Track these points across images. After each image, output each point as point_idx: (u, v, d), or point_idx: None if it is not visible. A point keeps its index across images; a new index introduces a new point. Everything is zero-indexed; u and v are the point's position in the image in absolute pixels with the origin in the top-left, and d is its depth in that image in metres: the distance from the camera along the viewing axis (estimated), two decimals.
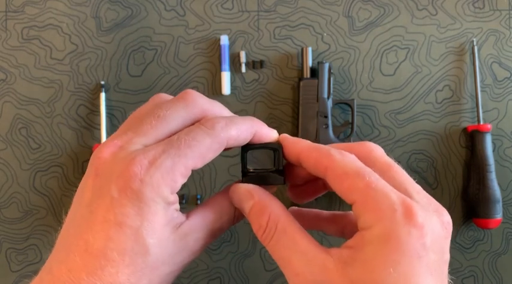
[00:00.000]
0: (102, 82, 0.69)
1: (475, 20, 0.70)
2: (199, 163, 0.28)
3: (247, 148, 0.31)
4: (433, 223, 0.26)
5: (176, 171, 0.27)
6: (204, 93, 0.71)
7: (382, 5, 0.70)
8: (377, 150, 0.30)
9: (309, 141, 0.31)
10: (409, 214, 0.25)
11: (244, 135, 0.30)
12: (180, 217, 0.29)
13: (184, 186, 0.67)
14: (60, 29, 0.70)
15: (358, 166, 0.28)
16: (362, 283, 0.25)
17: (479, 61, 0.70)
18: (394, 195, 0.26)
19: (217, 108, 0.31)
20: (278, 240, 0.28)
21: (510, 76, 0.70)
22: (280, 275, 0.68)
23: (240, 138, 0.30)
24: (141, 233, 0.26)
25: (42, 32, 0.70)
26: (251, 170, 0.31)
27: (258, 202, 0.29)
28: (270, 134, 0.32)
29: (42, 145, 0.69)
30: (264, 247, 0.69)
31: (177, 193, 0.28)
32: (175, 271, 0.29)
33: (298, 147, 0.31)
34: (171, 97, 0.32)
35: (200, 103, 0.30)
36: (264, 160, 0.31)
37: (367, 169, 0.27)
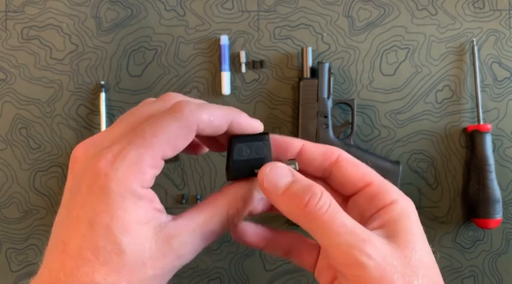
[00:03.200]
0: (102, 82, 0.69)
1: (475, 20, 0.70)
2: (169, 152, 0.27)
3: (234, 140, 0.30)
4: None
5: (143, 162, 0.26)
6: (204, 93, 0.71)
7: (382, 5, 0.70)
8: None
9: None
10: (403, 194, 0.30)
11: (218, 121, 0.28)
12: (164, 217, 0.27)
13: (184, 186, 0.68)
14: (60, 29, 0.70)
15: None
16: (408, 245, 0.27)
17: (479, 61, 0.70)
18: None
19: (191, 100, 0.30)
20: (337, 214, 0.27)
21: (510, 77, 0.70)
22: (280, 275, 0.68)
23: (214, 124, 0.28)
24: (112, 230, 0.25)
25: (42, 32, 0.70)
26: (239, 159, 0.29)
27: (302, 178, 0.28)
28: (251, 123, 0.30)
29: (42, 145, 0.69)
30: None
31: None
32: (160, 275, 0.27)
33: (298, 143, 0.32)
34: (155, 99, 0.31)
35: (176, 98, 0.29)
36: (253, 152, 0.30)
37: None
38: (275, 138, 0.31)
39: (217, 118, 0.28)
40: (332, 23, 0.70)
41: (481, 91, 0.69)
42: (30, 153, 0.69)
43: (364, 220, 0.30)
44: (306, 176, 0.29)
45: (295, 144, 0.31)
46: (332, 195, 0.28)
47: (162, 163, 0.27)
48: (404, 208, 0.29)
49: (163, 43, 0.70)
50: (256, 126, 0.31)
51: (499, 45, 0.70)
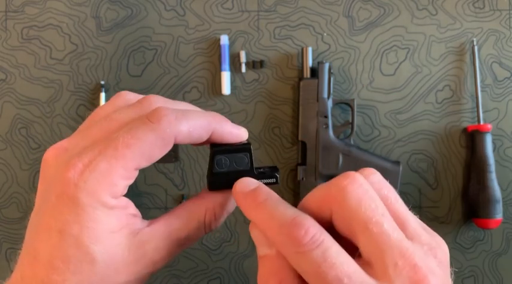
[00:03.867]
0: (102, 82, 0.69)
1: (475, 20, 0.70)
2: (143, 163, 0.26)
3: (216, 149, 0.28)
4: (433, 268, 0.24)
5: (114, 174, 0.25)
6: (204, 93, 0.71)
7: (382, 5, 0.70)
8: (375, 177, 0.26)
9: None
10: (400, 262, 0.23)
11: (198, 132, 0.27)
12: (138, 223, 0.27)
13: (184, 186, 0.68)
14: (60, 29, 0.70)
15: (366, 209, 0.24)
16: None
17: (480, 61, 0.69)
18: (391, 241, 0.24)
19: (173, 104, 0.29)
20: (278, 203, 0.25)
21: (510, 77, 0.70)
22: None
23: (193, 135, 0.27)
24: (82, 240, 0.24)
25: (42, 32, 0.70)
26: (219, 172, 0.28)
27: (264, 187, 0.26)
28: (234, 132, 0.29)
29: (42, 145, 0.69)
30: None
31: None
32: (134, 281, 0.26)
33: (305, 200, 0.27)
34: (134, 95, 0.30)
35: (156, 104, 0.28)
36: (233, 164, 0.28)
37: (371, 213, 0.24)
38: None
39: (196, 129, 0.27)
40: (332, 23, 0.70)
41: (481, 91, 0.69)
42: (30, 153, 0.69)
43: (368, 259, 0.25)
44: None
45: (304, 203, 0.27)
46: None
47: (136, 173, 0.26)
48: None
49: (163, 43, 0.70)
50: (239, 135, 0.29)
51: (499, 45, 0.70)
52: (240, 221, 0.68)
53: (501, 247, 0.68)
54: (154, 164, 0.68)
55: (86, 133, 0.27)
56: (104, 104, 0.30)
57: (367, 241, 0.24)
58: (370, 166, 0.27)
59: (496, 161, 0.68)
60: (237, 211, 0.30)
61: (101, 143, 0.25)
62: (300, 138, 0.67)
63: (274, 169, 0.30)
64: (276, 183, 0.29)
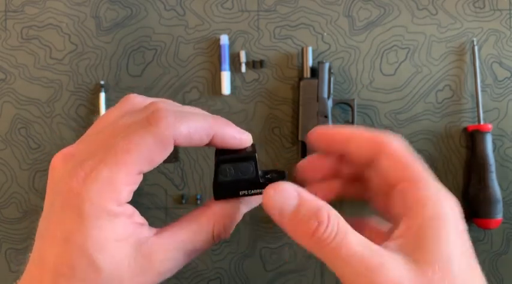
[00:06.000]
0: (102, 82, 0.69)
1: (475, 20, 0.70)
2: (145, 167, 0.25)
3: (221, 158, 0.28)
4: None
5: (116, 181, 0.25)
6: (204, 93, 0.71)
7: (382, 5, 0.70)
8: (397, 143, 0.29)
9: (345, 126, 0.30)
10: (446, 192, 0.27)
11: (199, 134, 0.26)
12: (146, 232, 0.26)
13: (184, 186, 0.68)
14: (59, 29, 0.70)
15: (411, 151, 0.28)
16: (436, 262, 0.24)
17: (480, 61, 0.69)
18: (434, 176, 0.28)
19: (181, 109, 0.28)
20: (345, 239, 0.24)
21: (510, 76, 0.70)
22: (281, 275, 0.68)
23: (194, 138, 0.26)
24: (87, 249, 0.24)
25: (41, 31, 0.70)
26: (224, 181, 0.28)
27: (306, 200, 0.26)
28: (237, 137, 0.28)
29: (41, 145, 0.69)
30: (265, 247, 0.69)
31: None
32: None
33: (346, 132, 0.29)
34: (142, 99, 0.29)
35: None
36: (238, 173, 0.28)
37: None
38: (320, 132, 0.30)
39: (197, 131, 0.26)
40: (332, 22, 0.70)
41: (482, 91, 0.69)
42: (29, 153, 0.69)
43: (396, 221, 0.27)
44: (350, 166, 0.30)
45: (341, 134, 0.29)
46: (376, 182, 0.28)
47: (140, 178, 0.26)
48: (437, 210, 0.25)
49: (163, 43, 0.70)
50: (242, 140, 0.28)
51: (500, 45, 0.70)
52: (240, 221, 0.68)
53: (501, 247, 0.68)
54: None
55: (92, 139, 0.27)
56: (112, 108, 0.29)
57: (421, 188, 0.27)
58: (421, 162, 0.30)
59: (496, 161, 0.68)
60: None
61: (101, 150, 0.25)
62: (300, 138, 0.67)
63: (281, 174, 0.29)
64: None
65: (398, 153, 0.28)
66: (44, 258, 0.25)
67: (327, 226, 0.24)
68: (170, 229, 0.27)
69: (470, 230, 0.72)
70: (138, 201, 0.68)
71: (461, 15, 0.70)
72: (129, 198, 0.26)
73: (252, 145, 0.29)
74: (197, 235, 0.28)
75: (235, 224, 0.29)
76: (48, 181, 0.27)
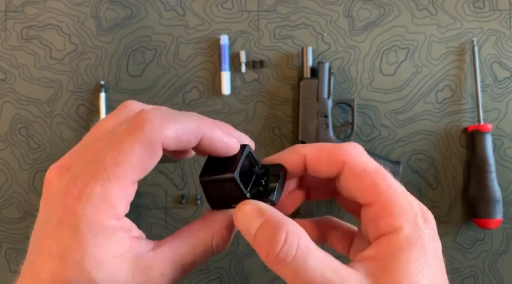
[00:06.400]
0: (102, 82, 0.69)
1: (475, 20, 0.70)
2: (137, 176, 0.25)
3: (203, 180, 0.27)
4: (434, 222, 0.27)
5: (111, 197, 0.24)
6: (204, 93, 0.71)
7: (382, 5, 0.70)
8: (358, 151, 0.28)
9: (302, 144, 0.29)
10: (426, 217, 0.26)
11: (187, 136, 0.25)
12: (143, 246, 0.26)
13: (184, 186, 0.68)
14: (59, 29, 0.70)
15: (376, 163, 0.27)
16: None
17: (480, 61, 0.69)
18: (411, 198, 0.26)
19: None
20: (304, 259, 0.24)
21: (510, 76, 0.70)
22: None
23: (182, 140, 0.25)
24: (84, 267, 0.24)
25: (41, 31, 0.70)
26: (213, 196, 0.27)
27: (270, 219, 0.25)
28: (224, 141, 0.27)
29: (42, 145, 0.69)
30: None
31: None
32: None
33: (301, 152, 0.28)
34: (140, 105, 0.29)
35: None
36: (224, 191, 0.27)
37: (383, 168, 0.27)
38: (273, 160, 0.29)
39: (184, 133, 0.25)
40: (332, 22, 0.70)
41: (482, 91, 0.69)
42: (30, 153, 0.69)
43: (367, 237, 0.27)
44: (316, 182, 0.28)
45: (296, 159, 0.28)
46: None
47: (135, 187, 0.25)
48: (405, 239, 0.25)
49: (163, 43, 0.70)
50: (229, 145, 0.27)
51: (500, 45, 0.70)
52: None
53: (501, 247, 0.68)
54: None
55: (86, 150, 0.26)
56: (108, 116, 0.29)
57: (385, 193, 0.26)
58: (384, 168, 0.28)
59: (496, 161, 0.68)
60: None
61: (92, 164, 0.24)
62: (300, 138, 0.67)
63: (276, 175, 0.28)
64: (273, 203, 0.27)
65: (359, 170, 0.26)
66: (40, 272, 0.25)
67: (283, 246, 0.24)
68: (168, 243, 0.27)
69: (471, 230, 0.73)
70: (138, 201, 0.68)
71: (461, 15, 0.70)
72: (127, 210, 0.25)
73: (242, 147, 0.28)
74: (196, 248, 0.27)
75: (233, 235, 0.29)
76: (43, 194, 0.26)
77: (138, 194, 0.68)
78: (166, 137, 0.25)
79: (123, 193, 0.24)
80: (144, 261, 0.25)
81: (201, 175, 0.28)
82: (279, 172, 0.28)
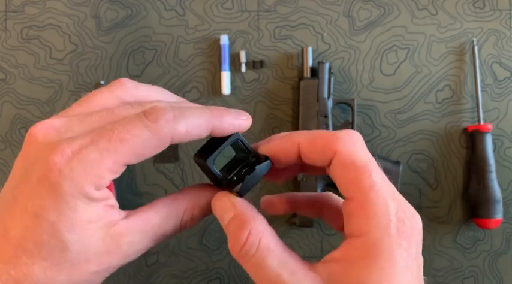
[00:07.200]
0: (102, 82, 0.69)
1: (475, 20, 0.70)
2: (133, 160, 0.25)
3: (205, 154, 0.28)
4: (415, 231, 0.25)
5: (102, 166, 0.24)
6: (204, 93, 0.71)
7: (382, 5, 0.70)
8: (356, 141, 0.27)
9: (297, 131, 0.29)
10: (401, 226, 0.25)
11: (197, 131, 0.26)
12: (116, 215, 0.26)
13: (184, 186, 0.67)
14: (59, 29, 0.70)
15: (367, 157, 0.26)
16: None
17: (480, 61, 0.69)
18: (392, 203, 0.25)
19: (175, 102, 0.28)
20: (262, 259, 0.25)
21: (510, 76, 0.70)
22: None
23: (192, 135, 0.26)
24: (58, 228, 0.24)
25: (41, 31, 0.70)
26: (226, 174, 0.28)
27: (239, 215, 0.26)
28: (235, 124, 0.28)
29: None
30: None
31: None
32: (103, 271, 0.26)
33: (295, 139, 0.28)
34: (134, 84, 0.29)
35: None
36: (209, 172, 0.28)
37: (374, 164, 0.26)
38: (266, 147, 0.29)
39: (195, 128, 0.26)
40: (332, 22, 0.70)
41: (482, 91, 0.69)
42: None
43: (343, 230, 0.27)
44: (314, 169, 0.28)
45: (289, 147, 0.28)
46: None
47: (123, 169, 0.25)
48: (372, 246, 0.24)
49: (163, 43, 0.70)
50: (240, 125, 0.28)
51: (500, 45, 0.70)
52: None
53: (501, 247, 0.68)
54: (154, 164, 0.68)
55: (84, 119, 0.26)
56: (102, 89, 0.29)
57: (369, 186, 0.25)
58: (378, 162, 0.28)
59: (496, 161, 0.68)
60: None
61: (94, 132, 0.25)
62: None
63: (252, 168, 0.28)
64: (239, 195, 0.28)
65: (347, 162, 0.26)
66: (9, 229, 0.24)
67: (244, 244, 0.25)
68: (140, 213, 0.27)
69: (470, 230, 0.73)
70: (138, 201, 0.68)
71: (461, 15, 0.70)
72: (108, 184, 0.25)
73: (231, 135, 0.28)
74: (167, 221, 0.28)
75: (204, 217, 0.30)
76: (23, 150, 0.26)
77: (138, 194, 0.68)
78: (178, 132, 0.25)
79: (113, 169, 0.24)
80: (116, 228, 0.26)
81: (194, 155, 0.29)
82: (265, 165, 0.28)
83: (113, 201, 0.26)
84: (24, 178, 0.25)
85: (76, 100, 0.69)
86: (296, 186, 0.68)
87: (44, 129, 0.26)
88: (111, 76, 0.69)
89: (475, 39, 0.69)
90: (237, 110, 0.29)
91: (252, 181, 0.28)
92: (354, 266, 0.24)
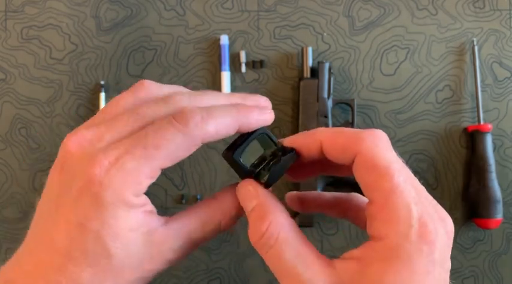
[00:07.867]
0: (102, 82, 0.69)
1: (475, 20, 0.70)
2: (168, 163, 0.26)
3: (233, 151, 0.28)
4: (440, 236, 0.25)
5: (141, 173, 0.25)
6: None
7: (382, 5, 0.70)
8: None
9: (323, 128, 0.29)
10: (423, 231, 0.24)
11: (225, 130, 0.27)
12: (156, 221, 0.27)
13: (184, 186, 0.68)
14: (59, 29, 0.70)
15: (390, 158, 0.25)
16: None
17: (480, 61, 0.69)
18: (414, 207, 0.24)
19: (199, 99, 0.28)
20: (279, 251, 0.25)
21: (510, 76, 0.70)
22: None
23: (220, 134, 0.27)
24: (102, 237, 0.25)
25: (41, 31, 0.70)
26: (255, 165, 0.28)
27: (262, 204, 0.27)
28: (261, 120, 0.29)
29: (41, 145, 0.69)
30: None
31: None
32: (145, 278, 0.27)
33: (318, 136, 0.28)
34: (157, 86, 0.30)
35: (182, 102, 0.28)
36: (254, 151, 0.29)
37: (399, 165, 0.25)
38: (291, 141, 0.30)
39: (224, 128, 0.27)
40: (332, 22, 0.70)
41: (482, 91, 0.69)
42: (29, 153, 0.69)
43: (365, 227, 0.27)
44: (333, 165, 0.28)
45: (312, 144, 0.29)
46: None
47: (159, 173, 0.27)
48: (390, 250, 0.24)
49: (163, 43, 0.70)
50: (265, 121, 0.29)
51: (500, 45, 0.70)
52: (239, 220, 0.68)
53: (501, 247, 0.68)
54: None
55: (111, 125, 0.27)
56: (125, 93, 0.30)
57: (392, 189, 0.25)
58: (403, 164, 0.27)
59: (496, 161, 0.68)
60: None
61: (128, 140, 0.25)
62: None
63: (278, 160, 0.28)
64: (266, 186, 0.28)
65: (369, 164, 0.25)
66: (56, 241, 0.25)
67: (263, 235, 0.26)
68: (179, 218, 0.28)
69: (471, 230, 0.73)
70: None
71: (461, 15, 0.70)
72: (146, 190, 0.26)
73: (256, 130, 0.29)
74: (206, 226, 0.28)
75: (240, 217, 0.30)
76: (60, 164, 0.27)
77: None
78: (207, 133, 0.26)
79: (151, 175, 0.26)
80: (156, 235, 0.26)
81: (223, 152, 0.30)
82: (291, 156, 0.29)
83: (151, 206, 0.27)
84: (65, 191, 0.26)
85: (76, 100, 0.69)
86: (296, 186, 0.68)
87: (77, 142, 0.26)
88: (111, 76, 0.69)
89: (475, 39, 0.69)
90: (258, 98, 0.29)
91: (279, 171, 0.28)
92: (371, 267, 0.24)
